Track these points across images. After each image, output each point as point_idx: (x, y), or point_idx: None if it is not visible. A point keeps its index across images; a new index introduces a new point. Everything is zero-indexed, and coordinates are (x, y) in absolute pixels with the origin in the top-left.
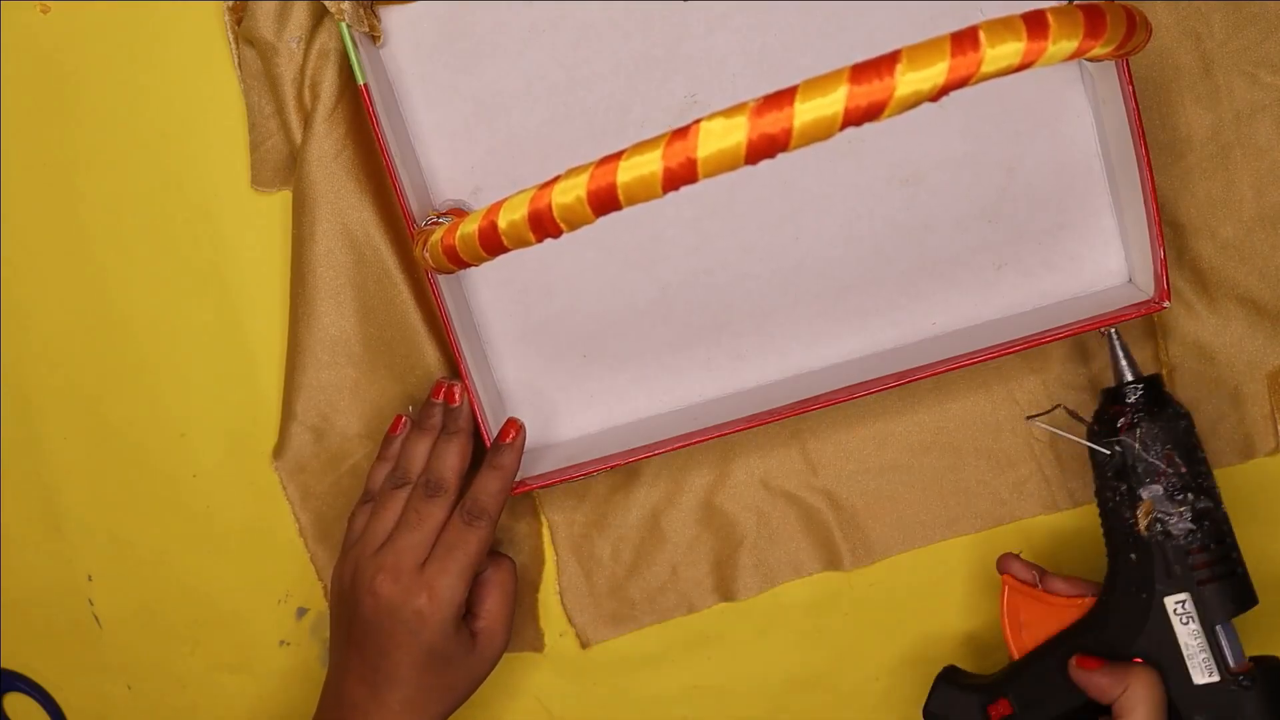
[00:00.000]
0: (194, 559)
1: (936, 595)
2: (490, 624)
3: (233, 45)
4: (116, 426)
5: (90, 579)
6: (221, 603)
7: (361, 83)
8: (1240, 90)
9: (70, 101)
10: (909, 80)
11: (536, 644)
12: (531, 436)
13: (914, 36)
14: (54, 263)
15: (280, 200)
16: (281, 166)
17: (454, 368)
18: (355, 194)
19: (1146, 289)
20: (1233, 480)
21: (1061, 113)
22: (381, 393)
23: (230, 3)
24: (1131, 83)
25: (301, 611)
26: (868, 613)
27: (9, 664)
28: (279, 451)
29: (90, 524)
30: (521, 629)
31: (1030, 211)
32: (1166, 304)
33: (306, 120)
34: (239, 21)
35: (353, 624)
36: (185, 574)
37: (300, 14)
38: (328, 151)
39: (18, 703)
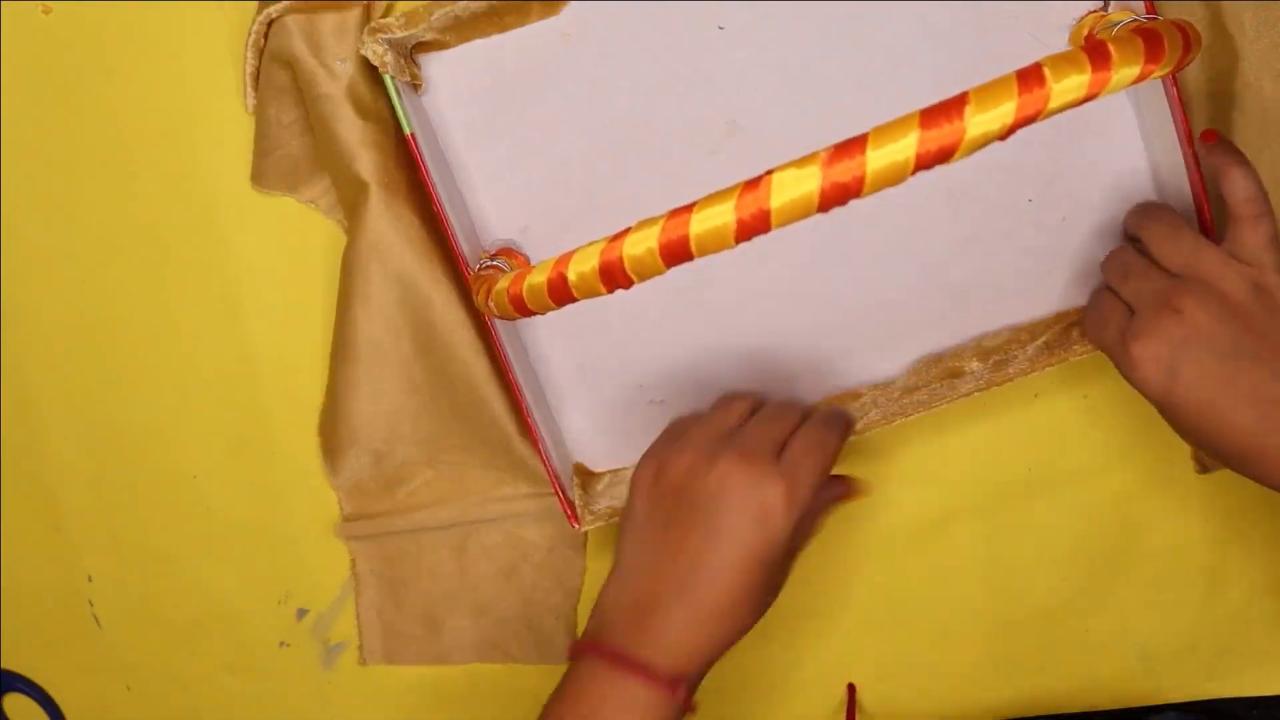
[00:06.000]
0: (194, 559)
1: (937, 595)
2: (805, 540)
3: (250, 59)
4: (116, 426)
5: (90, 579)
6: (221, 603)
7: (408, 132)
8: (1269, 88)
9: (70, 101)
10: (978, 122)
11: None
12: (592, 465)
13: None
14: (54, 263)
15: (281, 201)
16: (289, 173)
17: (514, 406)
18: (419, 228)
19: None
20: (1237, 476)
21: (1104, 116)
22: (442, 423)
23: (264, 24)
24: (1176, 85)
25: (301, 612)
26: (867, 613)
27: (9, 664)
28: (335, 470)
29: (90, 524)
30: (555, 641)
31: (1077, 216)
32: None
33: (379, 157)
34: (265, 36)
35: (675, 509)
36: (185, 574)
37: (347, 38)
38: (401, 187)
39: (18, 703)
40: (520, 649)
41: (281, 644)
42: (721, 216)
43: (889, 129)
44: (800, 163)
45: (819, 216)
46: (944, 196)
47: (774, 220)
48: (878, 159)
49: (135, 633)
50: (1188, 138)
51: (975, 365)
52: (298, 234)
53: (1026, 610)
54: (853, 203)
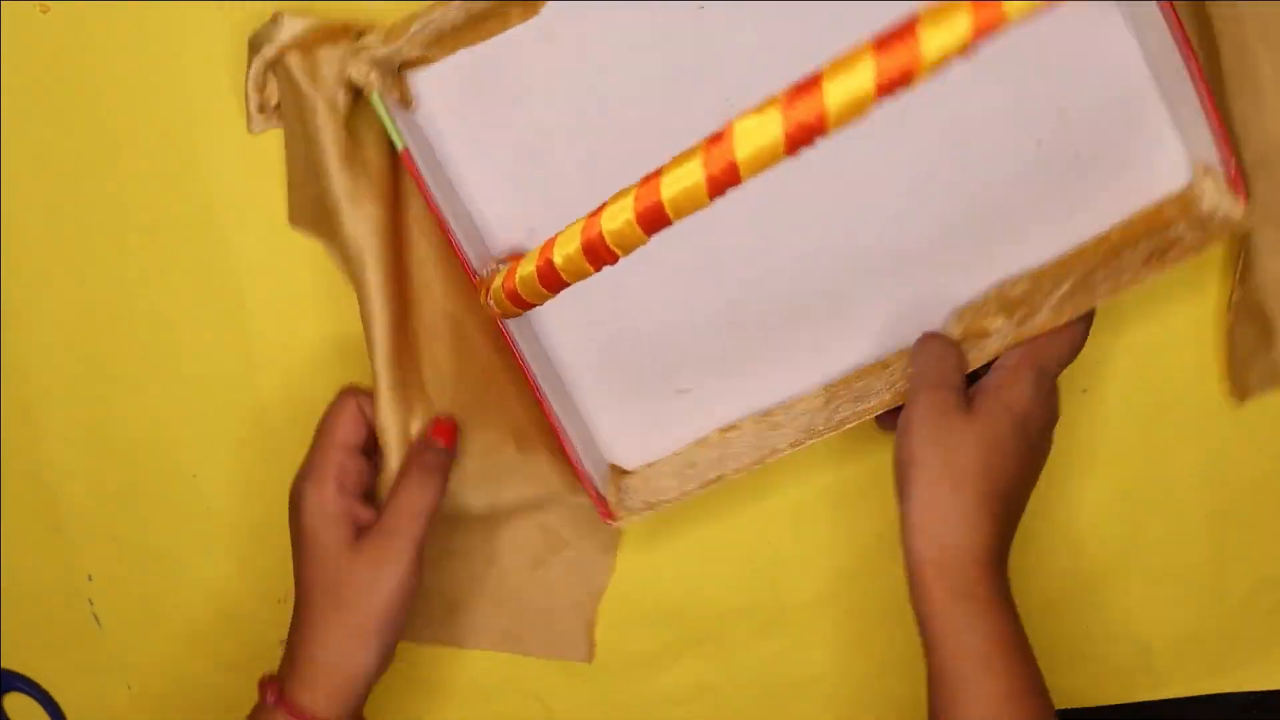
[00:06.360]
0: (194, 559)
1: None
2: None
3: (252, 95)
4: (116, 426)
5: (90, 579)
6: (221, 603)
7: (402, 149)
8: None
9: (70, 101)
10: (933, 38)
11: (587, 654)
12: (625, 461)
13: None
14: (54, 262)
15: (281, 202)
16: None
17: (538, 407)
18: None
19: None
20: (1260, 409)
21: (1103, 43)
22: (480, 429)
23: (262, 65)
24: (1173, 5)
25: None
26: (868, 613)
27: (9, 664)
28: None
29: (90, 524)
30: (574, 638)
31: (1090, 150)
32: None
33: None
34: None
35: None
36: (185, 574)
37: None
38: (417, 203)
39: (18, 703)
40: (536, 642)
41: (282, 643)
42: (691, 176)
43: (843, 61)
44: (759, 108)
45: (830, 183)
46: (951, 148)
47: (743, 171)
48: (836, 92)
49: (135, 633)
50: (1190, 52)
51: (1000, 322)
52: (298, 234)
53: (1026, 606)
54: (858, 166)
